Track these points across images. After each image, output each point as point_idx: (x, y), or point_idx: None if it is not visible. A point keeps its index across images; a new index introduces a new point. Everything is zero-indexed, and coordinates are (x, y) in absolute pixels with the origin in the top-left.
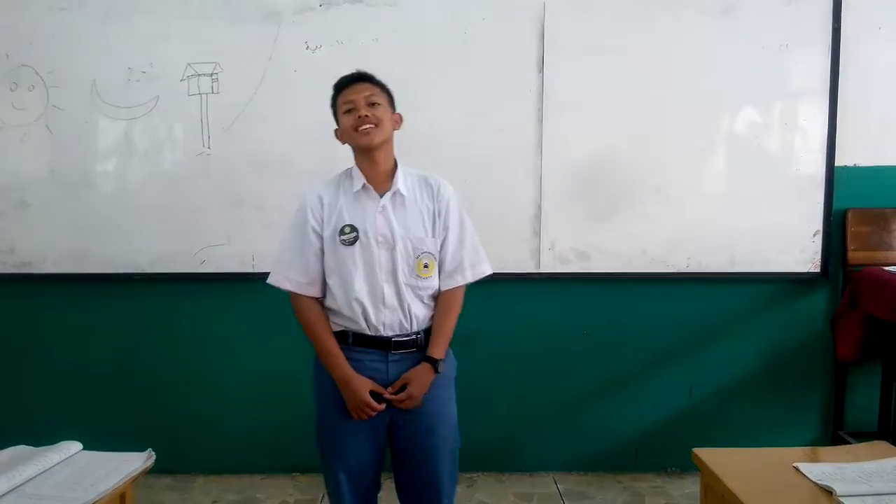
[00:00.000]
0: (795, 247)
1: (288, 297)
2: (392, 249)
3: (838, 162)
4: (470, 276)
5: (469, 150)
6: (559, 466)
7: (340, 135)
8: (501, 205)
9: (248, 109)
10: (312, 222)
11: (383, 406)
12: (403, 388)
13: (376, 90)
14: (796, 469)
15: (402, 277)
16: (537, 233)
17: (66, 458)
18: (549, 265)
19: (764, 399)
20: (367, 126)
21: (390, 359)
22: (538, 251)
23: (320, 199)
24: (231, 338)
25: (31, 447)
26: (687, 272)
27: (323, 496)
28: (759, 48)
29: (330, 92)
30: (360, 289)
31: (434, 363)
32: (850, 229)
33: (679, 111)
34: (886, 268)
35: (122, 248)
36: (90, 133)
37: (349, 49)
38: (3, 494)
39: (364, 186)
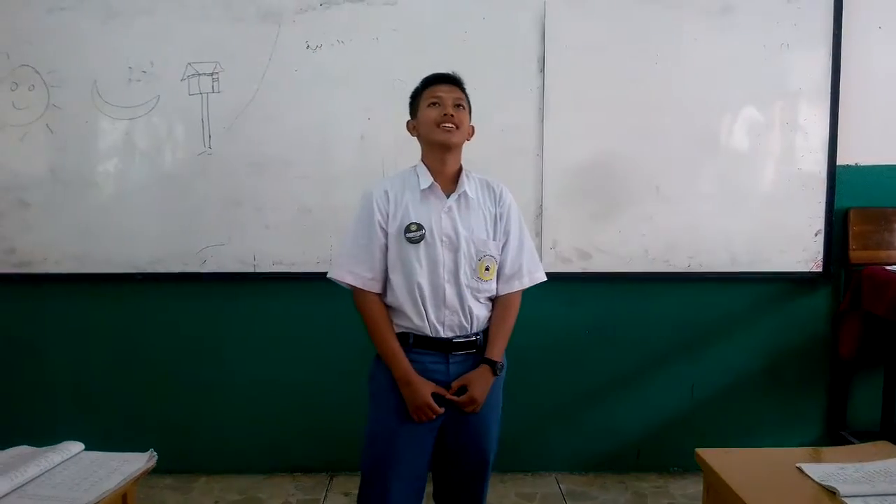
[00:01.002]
0: (797, 246)
1: (290, 298)
2: (456, 250)
3: (840, 161)
4: (527, 282)
5: (469, 149)
6: (561, 466)
7: (416, 126)
8: None
9: (248, 109)
10: (378, 217)
11: (443, 409)
12: (462, 389)
13: (463, 96)
14: (799, 469)
15: (463, 279)
16: (538, 233)
17: (68, 459)
18: (551, 265)
19: (766, 399)
20: (450, 125)
21: (451, 360)
22: (540, 251)
23: (386, 194)
24: (232, 338)
25: (33, 447)
26: (688, 272)
27: (325, 496)
28: (759, 47)
29: (331, 91)
30: (423, 286)
31: (493, 365)
32: (852, 228)
33: (680, 111)
34: (888, 267)
35: (122, 248)
36: (91, 133)
37: (349, 48)
38: (5, 495)
39: (431, 186)
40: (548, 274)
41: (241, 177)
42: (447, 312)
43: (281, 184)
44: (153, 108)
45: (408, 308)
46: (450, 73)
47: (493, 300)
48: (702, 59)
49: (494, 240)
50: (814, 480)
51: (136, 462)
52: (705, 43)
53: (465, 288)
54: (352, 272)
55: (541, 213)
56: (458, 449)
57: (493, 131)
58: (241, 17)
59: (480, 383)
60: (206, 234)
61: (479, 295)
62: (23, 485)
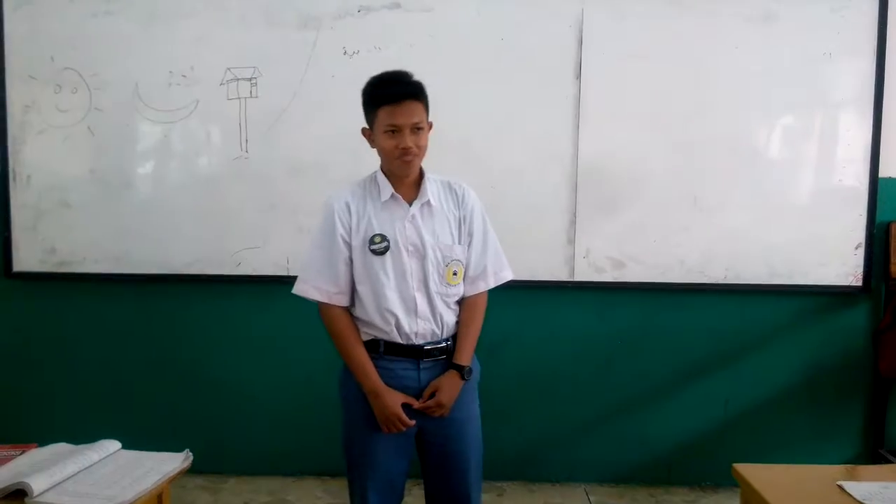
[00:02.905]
0: (836, 259)
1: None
2: (423, 258)
3: (882, 173)
4: (492, 282)
5: (504, 156)
6: (590, 478)
7: (373, 143)
8: (536, 212)
9: (285, 114)
10: (341, 230)
11: (414, 422)
12: (432, 395)
13: (421, 111)
14: (840, 487)
15: (433, 286)
16: (572, 241)
17: (106, 457)
18: (584, 274)
19: (802, 415)
20: (410, 157)
21: (422, 367)
22: (572, 259)
23: (348, 207)
24: (265, 340)
25: (71, 445)
26: (724, 283)
27: None
28: (801, 56)
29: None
30: (392, 298)
31: (461, 370)
32: (894, 242)
33: (718, 120)
34: None
35: (159, 250)
36: (131, 135)
37: (386, 54)
38: (45, 491)
39: (392, 196)
40: (580, 283)
41: (276, 181)
42: (419, 321)
43: (315, 188)
44: (192, 111)
45: (378, 321)
46: (402, 80)
47: (460, 303)
48: (742, 67)
49: (460, 243)
50: (855, 499)
51: (173, 462)
52: (746, 51)
53: (435, 295)
54: (317, 287)
55: (574, 221)
56: (438, 456)
57: (527, 137)
58: (280, 24)
59: (448, 388)
60: (241, 237)
61: (448, 300)
62: (62, 482)
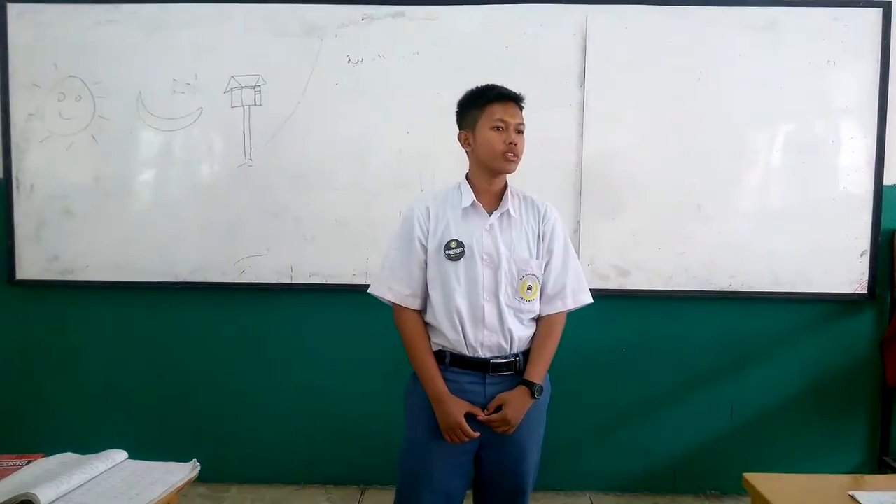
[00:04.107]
0: (841, 267)
1: (326, 310)
2: (497, 269)
3: (887, 181)
4: (571, 304)
5: None
6: (595, 486)
7: (474, 144)
8: None
9: (289, 122)
10: (419, 233)
11: (478, 434)
12: (498, 408)
13: (523, 119)
14: (852, 497)
15: (504, 298)
16: (576, 249)
17: (113, 467)
18: (588, 281)
19: (807, 423)
20: (514, 155)
21: (488, 381)
22: None
23: (428, 211)
24: (267, 349)
25: (78, 455)
26: (729, 291)
27: None
28: (805, 63)
29: (371, 105)
30: (461, 305)
31: (532, 388)
32: None
33: (722, 127)
34: None
35: (162, 258)
36: (134, 143)
37: (390, 62)
38: (52, 502)
39: (473, 203)
40: None
41: (280, 189)
42: (486, 332)
43: (319, 196)
44: (196, 119)
45: (445, 327)
46: (515, 91)
47: (536, 320)
48: (745, 75)
49: (537, 258)
50: None
51: (180, 472)
52: (749, 59)
53: (505, 308)
54: (391, 289)
55: (578, 229)
56: (494, 472)
57: (531, 145)
58: (285, 32)
59: (516, 405)
60: (245, 245)
61: (521, 315)
62: (68, 492)
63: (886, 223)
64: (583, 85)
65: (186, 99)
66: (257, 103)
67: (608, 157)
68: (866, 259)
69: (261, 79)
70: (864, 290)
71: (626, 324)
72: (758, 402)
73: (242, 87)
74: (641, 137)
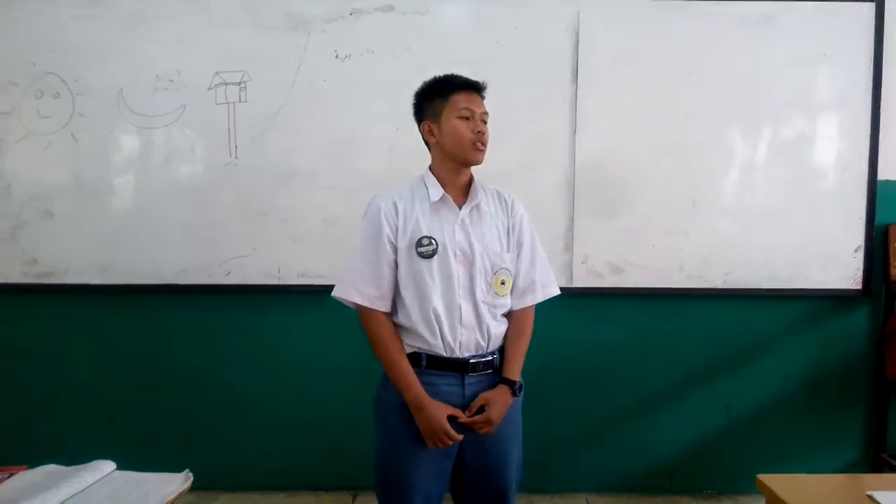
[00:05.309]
0: (836, 263)
1: (315, 311)
2: (471, 265)
3: (881, 176)
4: (540, 296)
5: (500, 161)
6: (591, 487)
7: (439, 134)
8: (532, 217)
9: (276, 119)
10: (388, 231)
11: (462, 437)
12: (480, 409)
13: (485, 108)
14: (871, 498)
15: (479, 295)
16: (570, 247)
17: (101, 479)
18: (582, 280)
19: (803, 419)
20: (482, 145)
21: (467, 381)
22: (570, 265)
23: (395, 206)
24: (256, 351)
25: (62, 466)
26: (724, 288)
27: None
28: (798, 57)
29: (360, 101)
30: (437, 304)
31: (512, 385)
32: (893, 245)
33: (717, 122)
34: None
35: (146, 259)
36: (116, 142)
37: (379, 58)
38: None
39: (443, 197)
40: (578, 289)
41: (266, 187)
42: (463, 331)
43: (307, 195)
44: (179, 117)
45: (421, 327)
46: (477, 80)
47: (507, 316)
48: (739, 69)
49: (508, 251)
50: None
51: (172, 483)
52: (742, 53)
53: (481, 304)
54: (358, 290)
55: (572, 227)
56: (476, 475)
57: (524, 142)
58: (270, 26)
59: (499, 404)
60: (231, 246)
61: (495, 311)
62: None
63: (880, 218)
64: (575, 80)
65: (169, 96)
66: (242, 100)
67: (602, 152)
68: (860, 254)
69: (246, 74)
70: (859, 286)
71: (621, 322)
72: (754, 399)
73: (227, 84)
74: (636, 133)
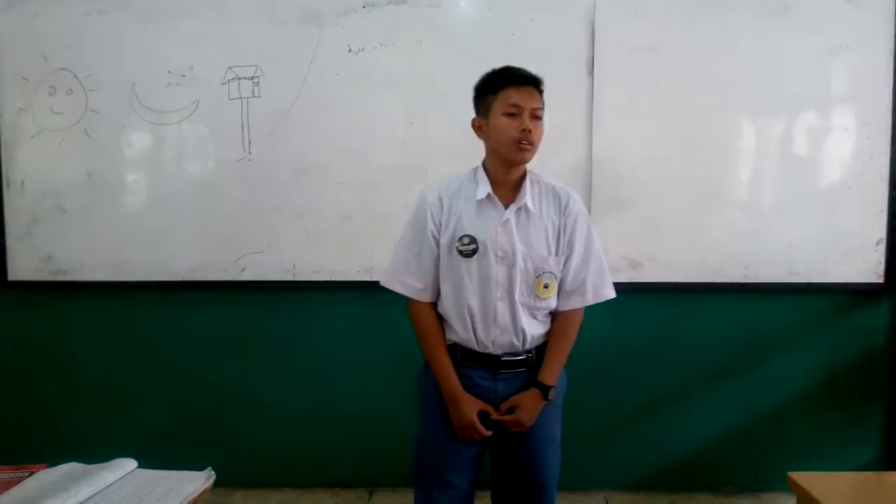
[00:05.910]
0: (857, 256)
1: (330, 307)
2: (511, 266)
3: None
4: (591, 298)
5: None
6: (610, 485)
7: (485, 129)
8: None
9: (289, 114)
10: (431, 226)
11: (490, 433)
12: (510, 409)
13: (541, 103)
14: None
15: (518, 297)
16: None
17: (123, 477)
18: None
19: (824, 415)
20: (528, 143)
21: (499, 377)
22: None
23: (440, 201)
24: (271, 347)
25: (84, 464)
26: (744, 282)
27: None
28: (818, 49)
29: (373, 95)
30: (473, 302)
31: (545, 390)
32: None
33: (735, 115)
34: None
35: (160, 256)
36: (129, 138)
37: (392, 51)
38: None
39: (489, 196)
40: None
41: (281, 183)
42: (497, 331)
43: (321, 190)
44: (192, 112)
45: (455, 323)
46: (530, 72)
47: (553, 315)
48: (758, 60)
49: (556, 255)
50: None
51: (194, 482)
52: (762, 44)
53: (519, 306)
54: (403, 282)
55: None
56: (511, 472)
57: None
58: (283, 20)
59: (529, 408)
60: (245, 242)
61: (536, 312)
62: None
63: None
64: (591, 73)
65: (182, 91)
66: (256, 95)
67: (619, 146)
68: (882, 248)
69: (259, 69)
70: (881, 279)
71: (639, 318)
72: (774, 395)
73: (240, 79)
74: (653, 126)
